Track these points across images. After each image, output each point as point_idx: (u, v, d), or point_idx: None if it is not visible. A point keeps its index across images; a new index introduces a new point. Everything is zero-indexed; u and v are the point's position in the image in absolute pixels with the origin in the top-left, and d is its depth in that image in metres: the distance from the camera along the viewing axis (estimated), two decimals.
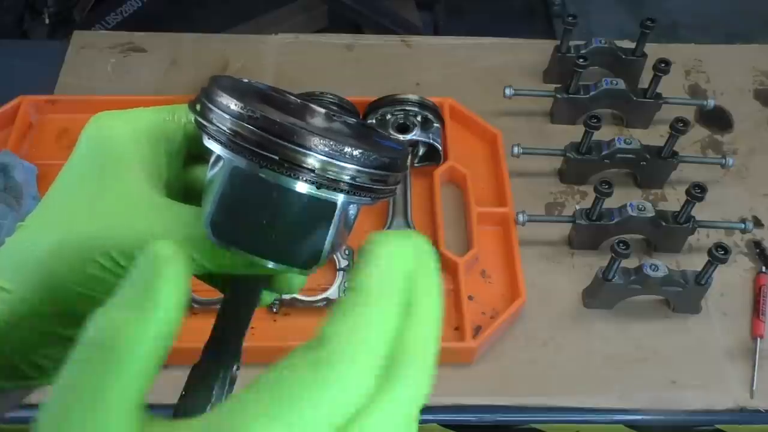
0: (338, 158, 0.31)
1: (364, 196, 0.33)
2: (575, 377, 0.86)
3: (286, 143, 0.31)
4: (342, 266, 0.88)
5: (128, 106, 0.41)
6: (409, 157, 0.98)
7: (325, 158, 0.31)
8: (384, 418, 0.26)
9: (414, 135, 0.97)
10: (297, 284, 0.40)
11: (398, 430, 0.27)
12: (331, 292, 0.86)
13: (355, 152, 0.32)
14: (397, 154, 0.35)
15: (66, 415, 0.25)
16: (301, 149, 0.31)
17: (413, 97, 1.01)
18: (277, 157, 0.31)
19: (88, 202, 0.37)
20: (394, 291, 0.28)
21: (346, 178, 0.32)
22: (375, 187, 0.33)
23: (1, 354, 0.37)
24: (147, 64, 1.16)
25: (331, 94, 0.99)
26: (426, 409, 0.93)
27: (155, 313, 0.26)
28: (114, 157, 0.37)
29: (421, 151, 1.00)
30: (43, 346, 0.37)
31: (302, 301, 0.86)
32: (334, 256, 0.88)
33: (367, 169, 0.32)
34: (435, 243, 0.91)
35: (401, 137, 0.97)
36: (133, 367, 0.25)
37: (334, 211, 0.33)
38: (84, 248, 0.35)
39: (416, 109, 1.00)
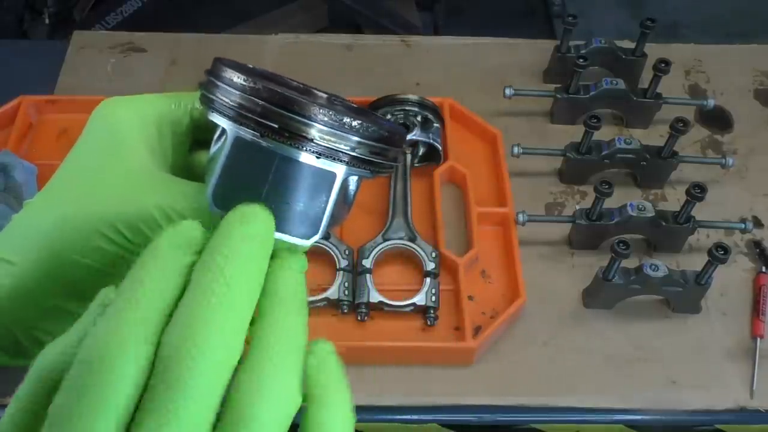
0: (338, 128, 0.33)
1: (364, 169, 0.35)
2: (575, 377, 0.86)
3: (286, 112, 0.32)
4: (342, 266, 0.87)
5: None
6: (407, 155, 0.98)
7: (324, 128, 0.32)
8: None
9: (414, 135, 0.97)
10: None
11: None
12: (331, 292, 0.86)
13: (354, 123, 0.33)
14: (395, 129, 0.36)
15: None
16: (301, 119, 0.32)
17: (413, 97, 1.01)
18: (277, 126, 0.32)
19: (93, 179, 0.38)
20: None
21: (346, 148, 0.33)
22: (374, 159, 0.34)
23: (3, 327, 0.37)
24: (147, 64, 1.16)
25: (331, 94, 0.99)
26: (426, 409, 0.94)
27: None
28: (120, 138, 0.38)
29: (421, 151, 1.00)
30: (45, 320, 0.38)
31: None
32: (334, 256, 0.88)
33: (366, 141, 0.34)
34: (435, 243, 0.91)
35: None
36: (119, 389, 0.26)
37: (333, 182, 0.34)
38: (89, 221, 0.36)
39: (416, 109, 1.00)
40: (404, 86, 1.08)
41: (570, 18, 1.05)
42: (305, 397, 0.28)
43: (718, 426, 0.85)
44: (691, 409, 0.84)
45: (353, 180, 0.36)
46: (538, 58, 1.16)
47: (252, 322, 0.28)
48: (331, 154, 0.33)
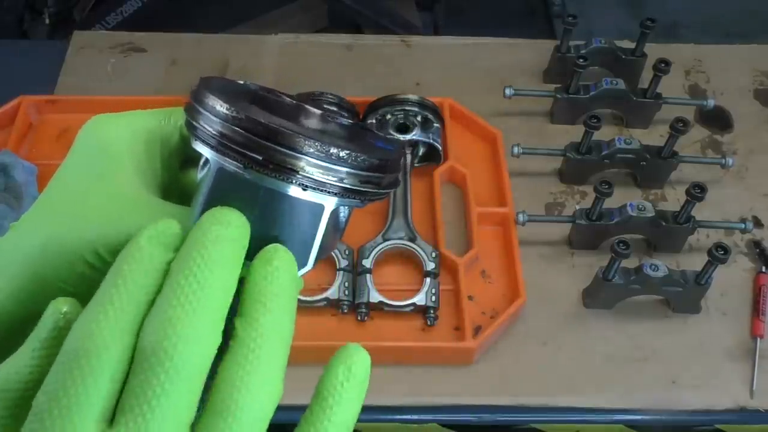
0: (324, 159, 0.31)
1: (353, 198, 0.33)
2: (575, 377, 0.86)
3: (270, 144, 0.30)
4: (342, 266, 0.87)
5: (128, 106, 0.41)
6: (407, 157, 0.98)
7: (310, 159, 0.31)
8: None
9: (414, 135, 0.97)
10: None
11: None
12: (331, 292, 0.86)
13: (342, 153, 0.31)
14: (388, 155, 0.34)
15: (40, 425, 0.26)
16: (285, 150, 0.30)
17: (413, 97, 1.01)
18: (261, 158, 0.30)
19: (78, 201, 0.36)
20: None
21: (333, 179, 0.31)
22: (364, 189, 0.32)
23: None
24: (147, 64, 1.16)
25: (331, 94, 0.99)
26: (426, 409, 0.94)
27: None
28: (107, 157, 0.37)
29: (421, 151, 1.00)
30: None
31: (302, 301, 0.86)
32: (334, 256, 0.88)
33: (354, 171, 0.32)
34: (435, 243, 0.91)
35: (401, 137, 0.97)
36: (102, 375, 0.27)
37: (322, 214, 0.33)
38: (73, 246, 0.35)
39: (416, 109, 1.00)
40: (404, 86, 1.08)
41: (570, 18, 1.05)
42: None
43: (718, 426, 0.85)
44: (691, 409, 0.84)
45: (343, 210, 0.34)
46: (538, 58, 1.16)
47: (237, 315, 0.29)
48: (319, 186, 0.31)
